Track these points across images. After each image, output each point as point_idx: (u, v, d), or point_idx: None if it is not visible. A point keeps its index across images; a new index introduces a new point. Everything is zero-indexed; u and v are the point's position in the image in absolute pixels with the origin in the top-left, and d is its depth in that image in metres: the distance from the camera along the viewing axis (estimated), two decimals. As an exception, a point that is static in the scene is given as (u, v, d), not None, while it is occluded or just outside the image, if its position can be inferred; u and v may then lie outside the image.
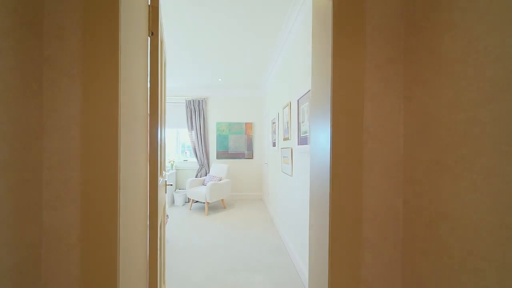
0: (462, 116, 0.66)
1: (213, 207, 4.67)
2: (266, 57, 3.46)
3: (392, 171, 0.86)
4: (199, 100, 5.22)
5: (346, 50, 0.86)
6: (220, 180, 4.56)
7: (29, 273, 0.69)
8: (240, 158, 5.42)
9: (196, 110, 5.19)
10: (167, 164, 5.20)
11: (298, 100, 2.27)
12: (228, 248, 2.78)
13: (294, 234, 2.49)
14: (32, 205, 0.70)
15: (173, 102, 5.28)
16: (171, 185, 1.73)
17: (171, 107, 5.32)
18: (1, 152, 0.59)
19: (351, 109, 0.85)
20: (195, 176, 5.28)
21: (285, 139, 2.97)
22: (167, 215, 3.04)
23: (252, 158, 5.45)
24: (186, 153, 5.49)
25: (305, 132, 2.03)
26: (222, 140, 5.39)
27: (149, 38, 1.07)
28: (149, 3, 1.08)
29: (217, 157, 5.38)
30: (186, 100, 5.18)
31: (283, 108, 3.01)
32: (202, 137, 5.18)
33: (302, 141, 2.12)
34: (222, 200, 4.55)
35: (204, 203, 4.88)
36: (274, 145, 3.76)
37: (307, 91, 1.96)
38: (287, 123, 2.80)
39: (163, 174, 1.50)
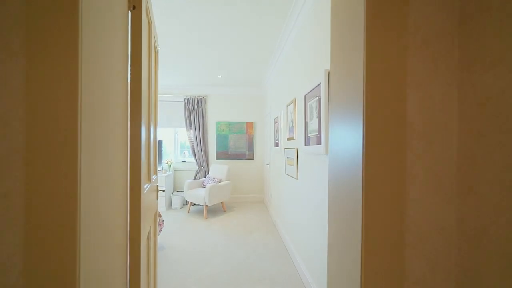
0: None
1: (213, 210, 4.46)
2: (269, 49, 3.26)
3: (443, 179, 0.66)
4: (198, 98, 5.01)
5: (383, 20, 0.65)
6: (219, 182, 4.35)
7: None
8: (240, 158, 5.21)
9: (195, 109, 4.98)
10: (165, 165, 4.99)
11: (305, 96, 2.06)
12: (228, 257, 2.57)
13: (299, 242, 2.28)
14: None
15: (170, 100, 5.07)
16: (163, 190, 1.52)
17: (168, 105, 5.11)
18: None
19: (389, 99, 0.64)
20: (193, 177, 5.07)
21: (289, 139, 2.76)
22: (162, 220, 2.83)
23: (253, 158, 5.24)
24: (184, 153, 5.28)
25: (314, 131, 1.82)
26: (221, 140, 5.18)
27: (129, 12, 0.86)
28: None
29: (217, 158, 5.17)
30: (184, 99, 4.97)
31: (287, 106, 2.80)
32: (201, 137, 4.97)
33: (310, 141, 1.91)
34: (222, 202, 4.34)
35: (203, 206, 4.66)
36: (276, 145, 3.55)
37: (315, 85, 1.76)
38: (292, 121, 2.60)
39: (153, 179, 1.30)
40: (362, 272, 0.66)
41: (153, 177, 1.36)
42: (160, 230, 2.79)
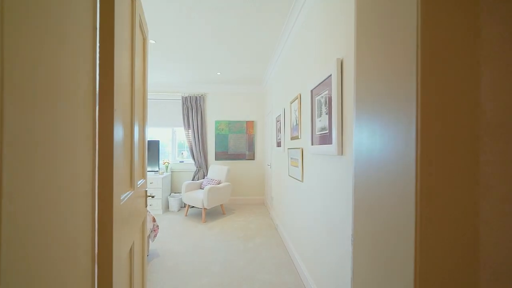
0: None
1: (211, 213, 4.27)
2: (271, 43, 3.06)
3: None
4: (196, 97, 4.82)
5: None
6: (219, 184, 4.15)
7: None
8: (240, 159, 5.01)
9: (193, 108, 4.78)
10: (162, 166, 4.80)
11: (311, 91, 1.87)
12: (227, 266, 2.38)
13: (304, 249, 2.09)
14: None
15: (167, 99, 4.88)
16: (153, 196, 1.33)
17: (166, 104, 4.91)
18: None
19: (455, 79, 0.45)
20: (192, 178, 4.87)
21: (293, 138, 2.57)
22: (157, 226, 2.64)
23: (253, 159, 5.04)
24: (182, 154, 5.08)
25: (323, 129, 1.63)
26: (221, 139, 4.98)
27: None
28: None
29: (216, 158, 4.97)
30: (182, 97, 4.78)
31: (291, 103, 2.61)
32: (200, 137, 4.77)
33: (319, 140, 1.72)
34: (221, 205, 4.15)
35: (201, 208, 4.48)
36: (279, 145, 3.36)
37: (325, 77, 1.56)
38: (296, 119, 2.41)
39: (138, 185, 1.10)
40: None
41: (140, 182, 1.17)
42: (155, 236, 2.60)
